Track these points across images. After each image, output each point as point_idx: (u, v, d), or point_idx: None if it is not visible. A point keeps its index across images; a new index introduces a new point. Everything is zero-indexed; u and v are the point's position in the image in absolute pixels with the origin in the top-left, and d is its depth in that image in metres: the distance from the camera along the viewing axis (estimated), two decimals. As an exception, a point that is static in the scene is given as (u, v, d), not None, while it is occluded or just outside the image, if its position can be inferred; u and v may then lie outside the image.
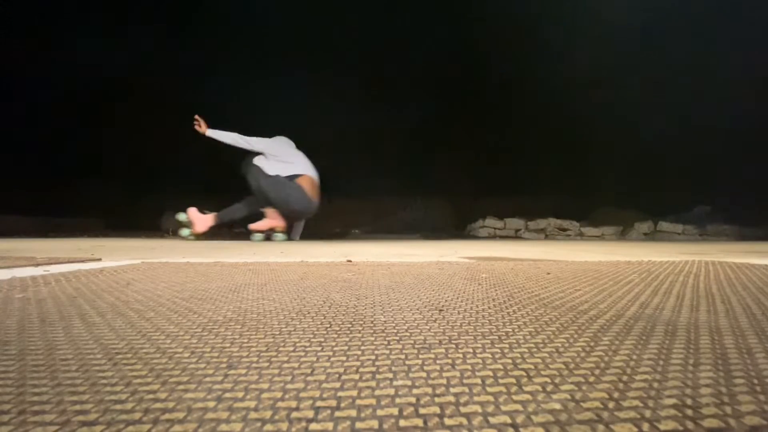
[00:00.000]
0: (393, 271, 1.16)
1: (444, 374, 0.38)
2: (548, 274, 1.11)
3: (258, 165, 3.65)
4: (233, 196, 3.82)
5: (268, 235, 3.81)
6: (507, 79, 5.57)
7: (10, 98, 5.06)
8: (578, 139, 5.81)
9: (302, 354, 0.44)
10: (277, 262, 1.46)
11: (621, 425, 0.28)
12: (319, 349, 0.45)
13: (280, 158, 3.69)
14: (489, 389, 0.34)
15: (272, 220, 3.76)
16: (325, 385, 0.35)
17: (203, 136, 3.66)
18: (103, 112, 5.57)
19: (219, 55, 5.57)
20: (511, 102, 5.72)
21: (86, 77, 5.22)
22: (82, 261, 1.48)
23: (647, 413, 0.30)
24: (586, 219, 5.40)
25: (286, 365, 0.40)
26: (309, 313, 0.63)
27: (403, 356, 0.43)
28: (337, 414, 0.30)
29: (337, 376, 0.37)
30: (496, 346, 0.46)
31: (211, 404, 0.32)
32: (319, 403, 0.32)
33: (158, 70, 5.46)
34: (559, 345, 0.46)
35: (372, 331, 0.52)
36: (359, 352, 0.44)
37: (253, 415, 0.30)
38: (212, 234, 3.88)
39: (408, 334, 0.51)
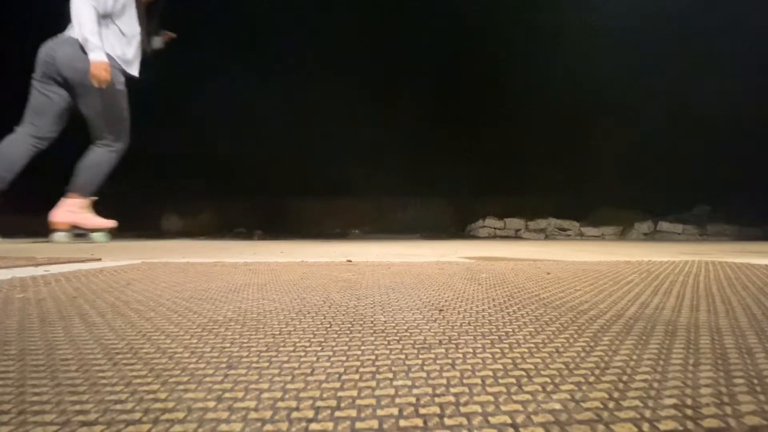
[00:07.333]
0: (393, 271, 1.16)
1: (444, 374, 0.38)
2: (548, 274, 1.11)
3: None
4: (233, 197, 3.80)
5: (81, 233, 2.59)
6: (507, 78, 5.57)
7: (10, 98, 5.05)
8: (579, 139, 5.81)
9: (302, 354, 0.44)
10: (277, 262, 1.46)
11: (621, 425, 0.28)
12: (319, 349, 0.45)
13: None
14: (489, 389, 0.34)
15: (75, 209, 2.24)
16: (325, 385, 0.35)
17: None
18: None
19: (219, 56, 5.56)
20: (512, 102, 5.72)
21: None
22: (82, 261, 1.48)
23: (647, 413, 0.30)
24: (586, 219, 5.40)
25: (286, 365, 0.40)
26: (309, 313, 0.63)
27: (403, 356, 0.43)
28: (337, 414, 0.30)
29: (337, 376, 0.37)
30: (496, 346, 0.46)
31: (211, 404, 0.32)
32: (319, 403, 0.32)
33: (159, 70, 5.46)
34: (559, 345, 0.46)
35: (372, 331, 0.52)
36: (359, 352, 0.44)
37: (253, 415, 0.30)
38: (213, 234, 3.88)
39: (408, 334, 0.51)
